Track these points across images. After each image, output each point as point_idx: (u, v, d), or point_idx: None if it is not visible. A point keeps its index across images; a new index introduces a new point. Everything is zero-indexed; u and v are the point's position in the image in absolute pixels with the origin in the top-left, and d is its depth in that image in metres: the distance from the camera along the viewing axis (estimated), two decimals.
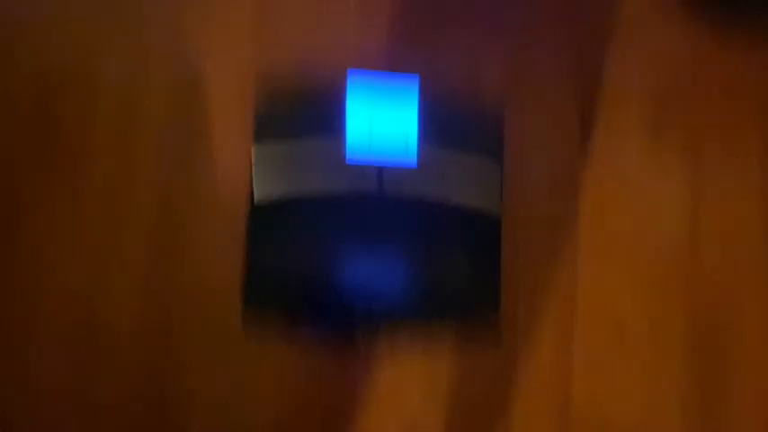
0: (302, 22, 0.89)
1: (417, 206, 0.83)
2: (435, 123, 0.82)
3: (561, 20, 0.92)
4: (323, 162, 0.83)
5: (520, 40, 0.91)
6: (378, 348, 0.81)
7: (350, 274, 0.84)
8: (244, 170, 0.84)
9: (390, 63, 0.87)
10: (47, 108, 0.85)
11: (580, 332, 0.84)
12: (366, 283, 0.84)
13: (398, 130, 0.75)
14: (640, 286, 0.86)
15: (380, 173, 0.79)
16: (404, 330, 0.81)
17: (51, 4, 0.88)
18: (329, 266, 0.83)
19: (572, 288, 0.85)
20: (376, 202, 0.83)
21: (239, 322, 0.81)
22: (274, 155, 0.84)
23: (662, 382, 0.84)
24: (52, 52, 0.87)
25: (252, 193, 0.83)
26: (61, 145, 0.85)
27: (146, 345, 0.82)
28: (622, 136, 0.90)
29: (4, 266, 0.82)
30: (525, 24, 0.92)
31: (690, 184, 0.90)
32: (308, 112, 0.85)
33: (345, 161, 0.73)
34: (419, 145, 0.75)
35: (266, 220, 0.82)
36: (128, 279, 0.82)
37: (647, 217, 0.89)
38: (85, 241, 0.83)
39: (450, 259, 0.85)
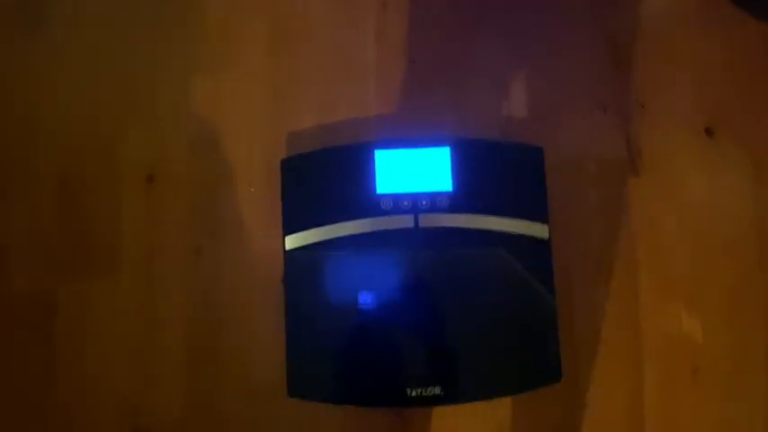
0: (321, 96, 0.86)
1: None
2: (470, 162, 0.80)
3: (591, 29, 0.86)
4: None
5: (552, 64, 0.86)
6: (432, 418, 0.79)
7: (398, 341, 0.80)
8: (275, 230, 0.80)
9: (419, 121, 0.85)
10: (71, 196, 0.83)
11: (650, 383, 0.80)
12: (417, 351, 0.79)
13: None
14: (711, 316, 0.81)
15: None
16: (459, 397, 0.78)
17: (67, 93, 0.85)
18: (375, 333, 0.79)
19: (636, 329, 0.81)
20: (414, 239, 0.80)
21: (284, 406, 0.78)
22: (303, 203, 0.81)
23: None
24: (71, 137, 0.84)
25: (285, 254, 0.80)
26: (90, 235, 0.82)
27: None
28: (674, 146, 0.84)
29: (44, 367, 0.81)
30: (554, 50, 0.86)
31: (752, 188, 0.84)
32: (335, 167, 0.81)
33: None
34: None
35: (300, 266, 0.79)
36: (170, 376, 0.80)
37: (708, 230, 0.83)
38: (125, 338, 0.81)
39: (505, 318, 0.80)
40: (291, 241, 0.79)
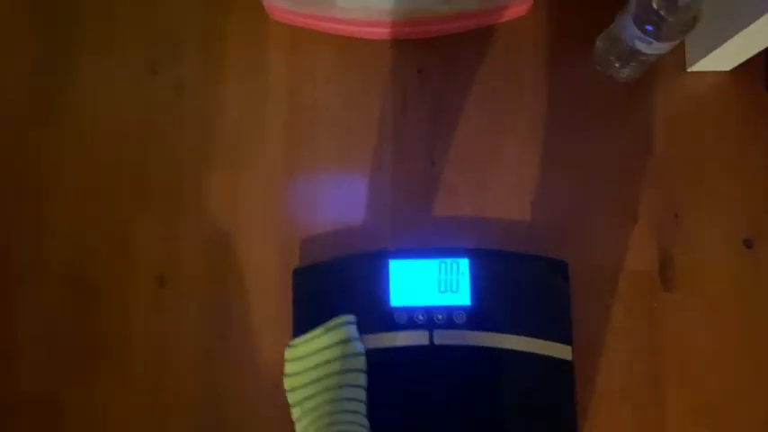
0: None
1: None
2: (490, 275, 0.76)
3: (623, 133, 0.82)
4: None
5: (580, 169, 0.81)
6: None
7: None
8: (285, 338, 0.77)
9: (437, 228, 0.81)
10: (81, 296, 0.82)
11: None
12: None
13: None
14: None
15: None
16: None
17: (77, 189, 0.84)
18: None
19: None
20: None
21: None
22: (314, 314, 0.77)
23: None
24: (82, 235, 0.83)
25: None
26: (98, 336, 0.81)
27: None
28: (710, 260, 0.80)
29: None
30: (583, 154, 0.82)
31: None
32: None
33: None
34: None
35: None
36: None
37: (744, 354, 0.78)
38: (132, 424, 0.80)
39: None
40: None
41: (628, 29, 0.68)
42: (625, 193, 0.81)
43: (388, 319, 0.76)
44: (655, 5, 0.63)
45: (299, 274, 0.79)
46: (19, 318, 0.81)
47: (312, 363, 0.75)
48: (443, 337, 0.76)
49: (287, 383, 0.75)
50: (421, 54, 0.84)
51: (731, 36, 0.72)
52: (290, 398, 0.74)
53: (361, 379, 0.74)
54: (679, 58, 0.82)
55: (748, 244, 0.79)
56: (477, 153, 0.82)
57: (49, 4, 0.87)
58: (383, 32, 0.82)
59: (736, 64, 0.80)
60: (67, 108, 0.84)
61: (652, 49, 0.68)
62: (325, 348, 0.75)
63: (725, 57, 0.78)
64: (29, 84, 0.85)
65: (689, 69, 0.82)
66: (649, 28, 0.66)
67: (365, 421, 0.71)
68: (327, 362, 0.74)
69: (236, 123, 0.84)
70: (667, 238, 0.79)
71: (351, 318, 0.75)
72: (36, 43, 0.86)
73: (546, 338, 0.75)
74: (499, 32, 0.84)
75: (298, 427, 0.72)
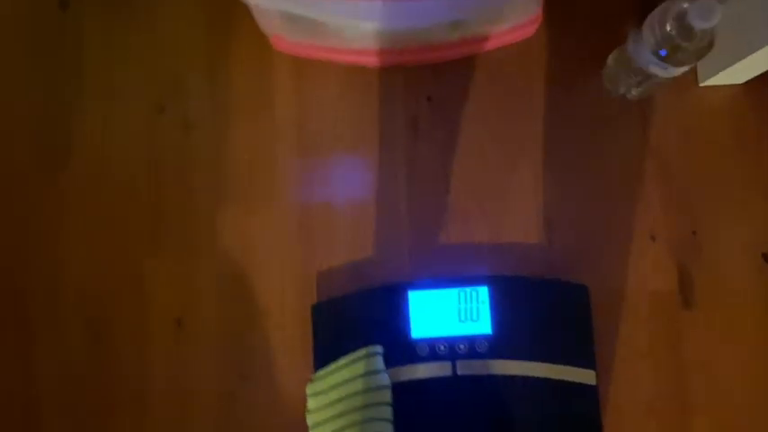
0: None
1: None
2: (510, 303, 0.76)
3: (637, 153, 0.82)
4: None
5: (595, 191, 0.81)
6: None
7: None
8: (306, 373, 0.77)
9: (455, 257, 0.80)
10: (99, 342, 0.81)
11: None
12: None
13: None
14: None
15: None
16: None
17: (92, 233, 0.83)
18: None
19: None
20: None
21: None
22: (334, 350, 0.77)
23: None
24: (97, 279, 0.82)
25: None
26: (118, 382, 0.81)
27: None
28: (730, 276, 0.79)
29: None
30: (598, 176, 0.81)
31: None
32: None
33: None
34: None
35: None
36: None
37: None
38: None
39: None
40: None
41: (642, 54, 0.67)
42: (641, 212, 0.80)
43: (410, 352, 0.76)
44: (670, 31, 0.62)
45: (318, 310, 0.78)
46: (38, 366, 0.81)
47: (335, 397, 0.74)
48: (466, 368, 0.75)
49: (309, 420, 0.75)
50: (430, 81, 0.83)
51: (744, 56, 0.71)
52: None
53: (387, 412, 0.73)
54: (691, 74, 0.81)
55: (767, 258, 0.78)
56: (491, 178, 0.82)
57: (53, 42, 0.85)
58: (390, 60, 0.81)
59: (749, 77, 0.79)
60: (75, 150, 0.83)
61: (667, 73, 0.67)
62: (347, 381, 0.74)
63: (738, 72, 0.77)
64: (35, 128, 0.84)
65: (701, 84, 0.81)
66: (664, 53, 0.65)
67: None
68: (351, 395, 0.74)
69: (246, 157, 0.83)
70: (686, 255, 0.79)
71: (377, 348, 0.75)
72: (39, 84, 0.85)
73: (569, 364, 0.75)
74: (507, 55, 0.82)
75: None
